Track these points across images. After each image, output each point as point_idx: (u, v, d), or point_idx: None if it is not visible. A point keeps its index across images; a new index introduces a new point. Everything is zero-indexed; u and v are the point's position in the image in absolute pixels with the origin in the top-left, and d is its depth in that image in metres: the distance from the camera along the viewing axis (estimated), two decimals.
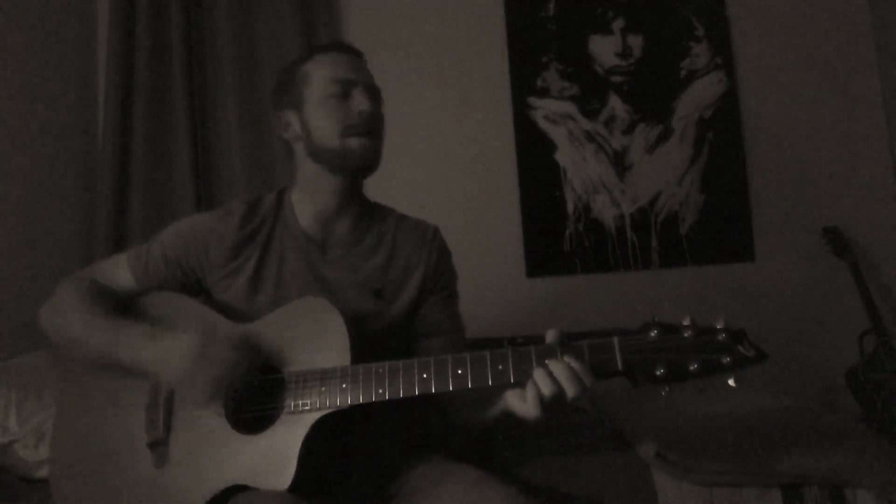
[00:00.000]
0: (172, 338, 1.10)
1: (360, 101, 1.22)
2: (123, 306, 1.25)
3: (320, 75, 1.24)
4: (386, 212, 1.36)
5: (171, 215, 2.37)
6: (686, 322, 0.96)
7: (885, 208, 2.57)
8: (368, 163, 1.24)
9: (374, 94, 1.26)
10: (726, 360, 0.92)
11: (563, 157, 2.57)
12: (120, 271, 1.28)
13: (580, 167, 2.57)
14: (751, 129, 2.57)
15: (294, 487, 1.01)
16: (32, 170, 2.20)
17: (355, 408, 1.04)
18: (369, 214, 1.33)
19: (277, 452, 1.04)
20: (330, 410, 1.04)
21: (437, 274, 1.30)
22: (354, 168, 1.24)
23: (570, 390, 0.95)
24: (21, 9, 2.20)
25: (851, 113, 2.59)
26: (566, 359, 0.96)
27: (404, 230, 1.32)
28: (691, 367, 0.92)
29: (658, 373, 0.93)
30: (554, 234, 2.54)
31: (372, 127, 1.23)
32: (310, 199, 1.28)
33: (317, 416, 1.05)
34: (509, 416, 1.04)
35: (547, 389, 0.96)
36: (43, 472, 1.50)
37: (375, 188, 1.36)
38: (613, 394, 1.69)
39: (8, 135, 2.11)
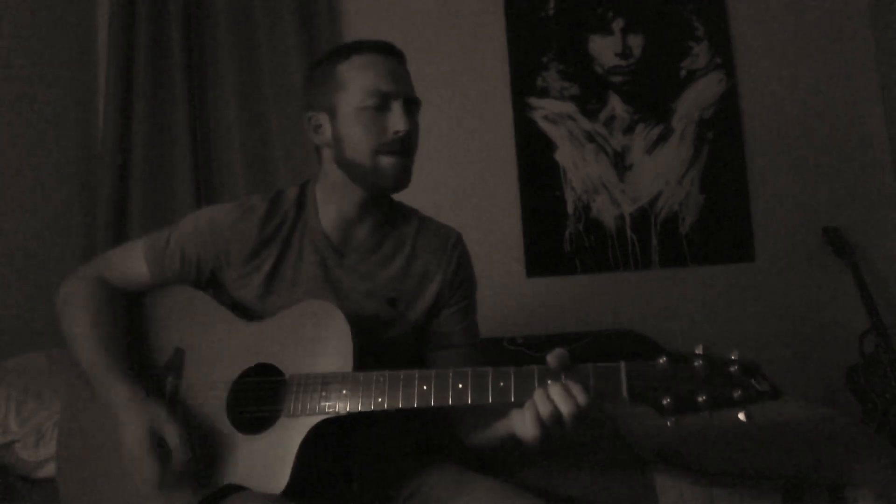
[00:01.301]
0: (129, 413, 1.08)
1: (397, 119, 1.15)
2: (132, 303, 1.25)
3: (357, 82, 1.16)
4: (408, 214, 1.32)
5: (172, 215, 2.36)
6: (698, 351, 0.92)
7: (885, 208, 2.57)
8: (399, 183, 1.19)
9: (412, 107, 1.20)
10: (737, 394, 0.88)
11: (563, 157, 2.57)
12: (135, 262, 1.25)
13: (580, 167, 2.57)
14: (751, 129, 2.57)
15: (289, 491, 1.01)
16: (32, 170, 2.20)
17: (356, 415, 1.03)
18: (391, 218, 1.28)
19: (274, 455, 1.04)
20: (328, 416, 1.04)
21: (454, 285, 1.26)
22: (383, 188, 1.20)
23: (568, 414, 0.92)
24: (21, 9, 2.20)
25: (851, 113, 2.59)
26: (567, 382, 0.93)
27: (425, 236, 1.28)
28: (699, 399, 0.89)
29: (664, 402, 0.89)
30: (554, 234, 2.54)
31: (407, 146, 1.18)
32: (333, 202, 1.24)
33: (315, 421, 1.04)
34: (515, 442, 1.01)
35: (545, 411, 0.93)
36: (43, 472, 1.50)
37: None
38: None
39: (8, 135, 2.10)
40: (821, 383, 2.41)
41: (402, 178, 1.19)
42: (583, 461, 1.32)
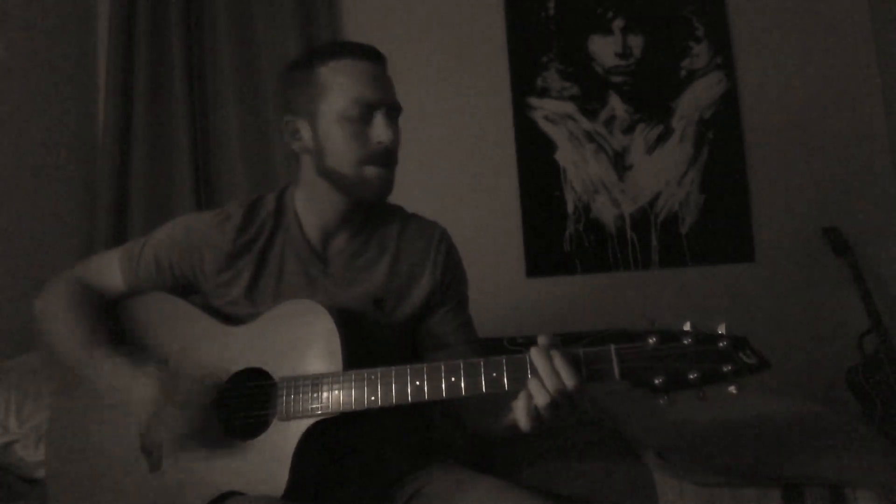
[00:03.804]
0: (135, 379, 1.07)
1: (381, 131, 1.12)
2: (111, 311, 1.24)
3: (339, 90, 1.12)
4: (391, 213, 1.28)
5: (172, 215, 2.35)
6: (686, 328, 0.92)
7: (885, 208, 2.57)
8: (383, 193, 1.16)
9: (395, 115, 1.16)
10: (727, 368, 0.88)
11: (563, 157, 2.57)
12: (110, 271, 1.24)
13: (580, 167, 2.57)
14: (751, 129, 2.57)
15: (288, 494, 1.01)
16: (32, 170, 2.20)
17: (351, 414, 1.03)
18: (374, 220, 1.25)
19: (270, 459, 1.03)
20: (322, 417, 1.03)
21: (444, 284, 1.24)
22: (368, 199, 1.17)
23: (562, 400, 0.92)
24: (21, 9, 2.20)
25: (851, 113, 2.59)
26: (559, 368, 0.92)
27: (409, 235, 1.25)
28: (691, 376, 0.89)
29: (656, 381, 0.90)
30: (554, 234, 2.54)
31: (392, 156, 1.15)
32: (314, 210, 1.22)
33: (309, 423, 1.03)
34: (516, 429, 1.00)
35: (541, 400, 0.92)
36: (43, 472, 1.50)
37: None
38: (614, 394, 1.69)
39: (8, 135, 2.10)
40: (821, 383, 2.41)
41: (386, 188, 1.17)
42: (583, 461, 1.32)
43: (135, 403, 1.06)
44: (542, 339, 0.95)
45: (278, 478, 1.01)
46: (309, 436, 1.03)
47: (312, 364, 1.07)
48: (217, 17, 2.49)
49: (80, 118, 2.48)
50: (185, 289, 1.25)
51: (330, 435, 1.08)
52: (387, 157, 1.14)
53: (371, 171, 1.14)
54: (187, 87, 2.43)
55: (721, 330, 0.91)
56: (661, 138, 2.58)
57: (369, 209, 1.25)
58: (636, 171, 2.57)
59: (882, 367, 2.26)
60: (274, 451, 1.04)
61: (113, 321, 1.23)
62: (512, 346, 2.07)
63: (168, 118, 2.45)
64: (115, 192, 2.39)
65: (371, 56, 1.15)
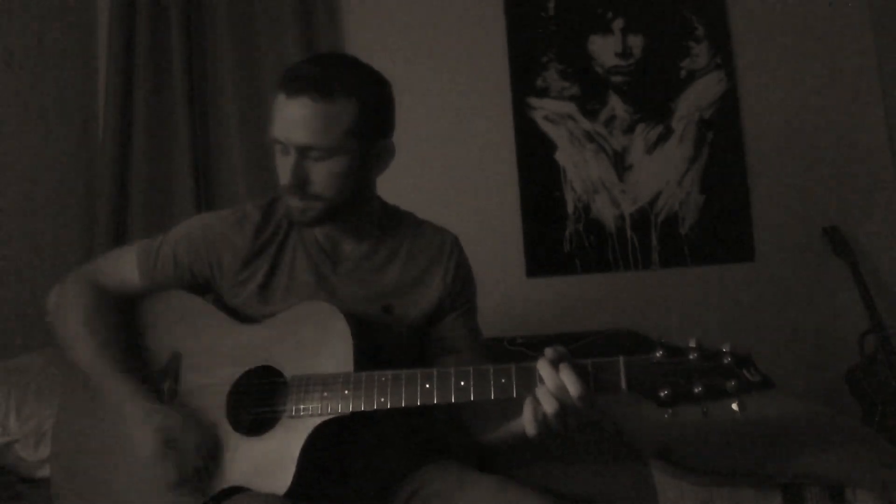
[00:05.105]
0: (143, 419, 1.10)
1: (283, 169, 1.12)
2: (128, 306, 1.26)
3: (273, 121, 1.13)
4: (403, 219, 1.30)
5: (172, 215, 2.37)
6: (692, 344, 0.94)
7: (885, 208, 2.57)
8: (300, 221, 1.17)
9: (320, 154, 1.10)
10: (730, 384, 0.90)
11: (563, 157, 2.57)
12: (126, 267, 1.25)
13: (580, 167, 2.57)
14: (751, 129, 2.57)
15: (292, 492, 1.01)
16: (32, 169, 2.20)
17: (357, 414, 1.04)
18: (383, 225, 1.26)
19: (276, 456, 1.04)
20: (330, 416, 1.04)
21: (454, 292, 1.25)
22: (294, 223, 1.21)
23: (570, 409, 0.94)
24: (21, 9, 2.20)
25: (851, 113, 2.59)
26: (565, 378, 0.93)
27: (420, 243, 1.26)
28: (695, 390, 0.91)
29: (662, 394, 0.92)
30: (554, 234, 2.54)
31: (301, 192, 1.12)
32: None
33: (317, 421, 1.04)
34: (523, 437, 1.01)
35: (548, 408, 0.94)
36: (43, 472, 1.50)
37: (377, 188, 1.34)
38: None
39: (8, 135, 2.11)
40: (821, 383, 2.41)
41: (301, 218, 1.16)
42: (584, 460, 1.32)
43: (137, 440, 1.10)
44: (549, 352, 0.96)
45: (283, 475, 1.02)
46: (316, 434, 1.04)
47: (324, 364, 1.08)
48: (217, 17, 2.49)
49: (80, 118, 2.48)
50: (202, 287, 1.26)
51: (336, 435, 1.08)
52: (297, 191, 1.12)
53: (289, 199, 1.15)
54: (187, 87, 2.43)
55: (725, 348, 0.93)
56: (661, 138, 2.58)
57: (380, 210, 1.27)
58: (636, 171, 2.57)
59: (882, 368, 2.26)
60: (281, 448, 1.04)
61: (127, 319, 1.25)
62: (512, 347, 2.07)
63: (168, 118, 2.45)
64: (115, 192, 2.38)
65: (298, 91, 1.08)
